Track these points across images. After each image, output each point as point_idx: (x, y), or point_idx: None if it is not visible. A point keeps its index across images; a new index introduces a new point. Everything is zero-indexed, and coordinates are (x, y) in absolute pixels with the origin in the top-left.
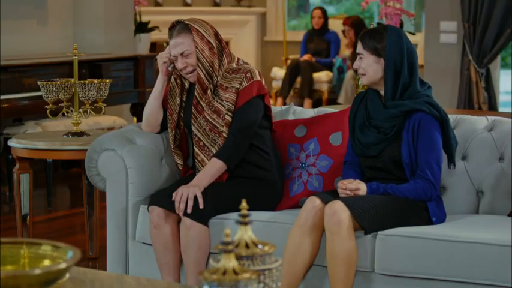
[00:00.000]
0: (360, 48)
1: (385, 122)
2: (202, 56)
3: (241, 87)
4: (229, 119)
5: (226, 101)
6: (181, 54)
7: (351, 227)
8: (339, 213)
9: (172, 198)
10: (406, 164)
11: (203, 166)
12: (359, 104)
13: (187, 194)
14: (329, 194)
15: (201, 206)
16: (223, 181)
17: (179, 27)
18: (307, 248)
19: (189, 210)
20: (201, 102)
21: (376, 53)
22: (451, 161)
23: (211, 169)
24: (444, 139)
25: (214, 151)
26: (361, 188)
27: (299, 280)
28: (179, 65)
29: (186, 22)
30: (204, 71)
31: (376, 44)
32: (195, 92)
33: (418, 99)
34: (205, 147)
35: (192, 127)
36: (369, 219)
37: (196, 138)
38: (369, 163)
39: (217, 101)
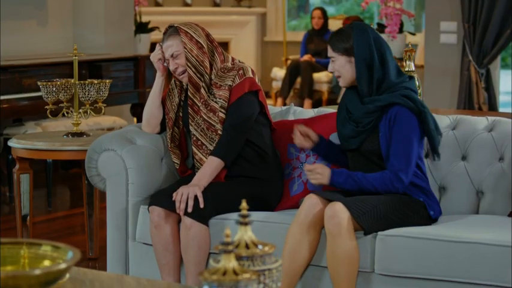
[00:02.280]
0: (330, 51)
1: (363, 117)
2: (191, 55)
3: (234, 84)
4: (223, 115)
5: (220, 98)
6: (172, 56)
7: (351, 227)
8: (339, 214)
9: (173, 199)
10: (385, 157)
11: (201, 165)
12: (344, 99)
13: (187, 194)
14: (329, 191)
15: (202, 205)
16: (221, 180)
17: (170, 31)
18: (307, 245)
19: (189, 210)
20: (196, 102)
21: (346, 53)
22: (434, 152)
23: (210, 167)
24: (424, 131)
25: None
26: (324, 172)
27: (298, 276)
28: (171, 67)
29: (176, 25)
30: (193, 69)
31: (344, 44)
32: (188, 93)
33: (394, 93)
34: (204, 146)
35: (190, 127)
36: (368, 219)
37: (195, 138)
38: (354, 157)
39: (212, 100)
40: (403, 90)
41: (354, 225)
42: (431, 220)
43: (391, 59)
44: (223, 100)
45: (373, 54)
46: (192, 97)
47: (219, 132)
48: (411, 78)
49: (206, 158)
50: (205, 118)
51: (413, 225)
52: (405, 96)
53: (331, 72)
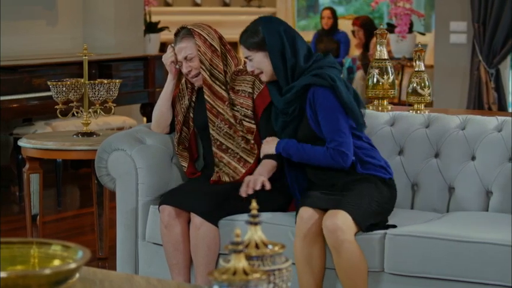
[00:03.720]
0: (245, 52)
1: (286, 107)
2: (205, 58)
3: (258, 92)
4: (250, 125)
5: (241, 107)
6: (185, 58)
7: (352, 235)
8: (339, 226)
9: (244, 184)
10: (323, 137)
11: (230, 168)
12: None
13: (255, 182)
14: (316, 198)
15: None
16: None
17: (182, 32)
18: (317, 255)
19: (258, 187)
20: (215, 106)
21: (260, 48)
22: (357, 123)
23: (268, 166)
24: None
25: (240, 152)
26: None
27: (320, 286)
28: (184, 69)
29: (189, 27)
30: (208, 72)
31: (256, 39)
32: (205, 96)
33: (306, 75)
34: (229, 150)
35: (211, 131)
36: (365, 217)
37: (218, 143)
38: None
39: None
40: (314, 70)
41: (357, 228)
42: (394, 183)
43: (302, 45)
44: (245, 108)
45: (284, 43)
46: (209, 100)
47: (251, 141)
48: (326, 55)
49: (235, 162)
50: (232, 122)
51: (391, 201)
52: (315, 75)
53: (252, 72)
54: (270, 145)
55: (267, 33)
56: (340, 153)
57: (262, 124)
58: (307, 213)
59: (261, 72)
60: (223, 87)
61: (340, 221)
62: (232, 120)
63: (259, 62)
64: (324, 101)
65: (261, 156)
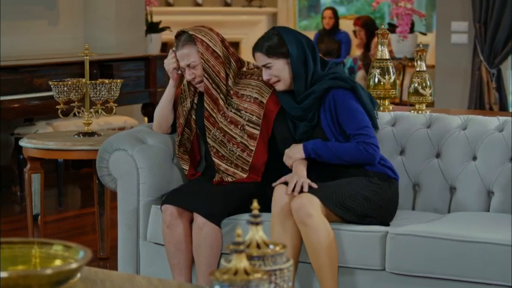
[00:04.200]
0: (263, 59)
1: (305, 113)
2: (208, 66)
3: (268, 96)
4: (253, 131)
5: (246, 112)
6: (188, 65)
7: (319, 214)
8: (306, 204)
9: (291, 187)
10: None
11: (228, 174)
12: (282, 105)
13: (301, 182)
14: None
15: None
16: (258, 180)
17: (184, 37)
18: (290, 232)
19: (305, 190)
20: (212, 114)
21: (282, 55)
22: (373, 124)
23: (303, 165)
24: (360, 104)
25: (235, 160)
26: (297, 147)
27: (296, 263)
28: (187, 76)
29: (190, 32)
30: (210, 80)
31: (279, 47)
32: (205, 104)
33: (324, 80)
34: (225, 157)
35: (208, 139)
36: (334, 198)
37: (215, 150)
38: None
39: (231, 111)
40: (331, 75)
41: (326, 212)
42: (396, 183)
43: (318, 53)
44: (250, 114)
45: (306, 50)
46: (208, 108)
47: (251, 147)
48: (338, 64)
49: (232, 168)
50: (226, 130)
51: (386, 197)
52: (334, 78)
53: (268, 80)
54: (295, 149)
55: (289, 42)
56: (371, 145)
57: (276, 127)
58: (280, 190)
59: (278, 81)
60: (221, 96)
61: (305, 199)
62: (226, 129)
63: (280, 70)
64: (345, 102)
65: (288, 165)
